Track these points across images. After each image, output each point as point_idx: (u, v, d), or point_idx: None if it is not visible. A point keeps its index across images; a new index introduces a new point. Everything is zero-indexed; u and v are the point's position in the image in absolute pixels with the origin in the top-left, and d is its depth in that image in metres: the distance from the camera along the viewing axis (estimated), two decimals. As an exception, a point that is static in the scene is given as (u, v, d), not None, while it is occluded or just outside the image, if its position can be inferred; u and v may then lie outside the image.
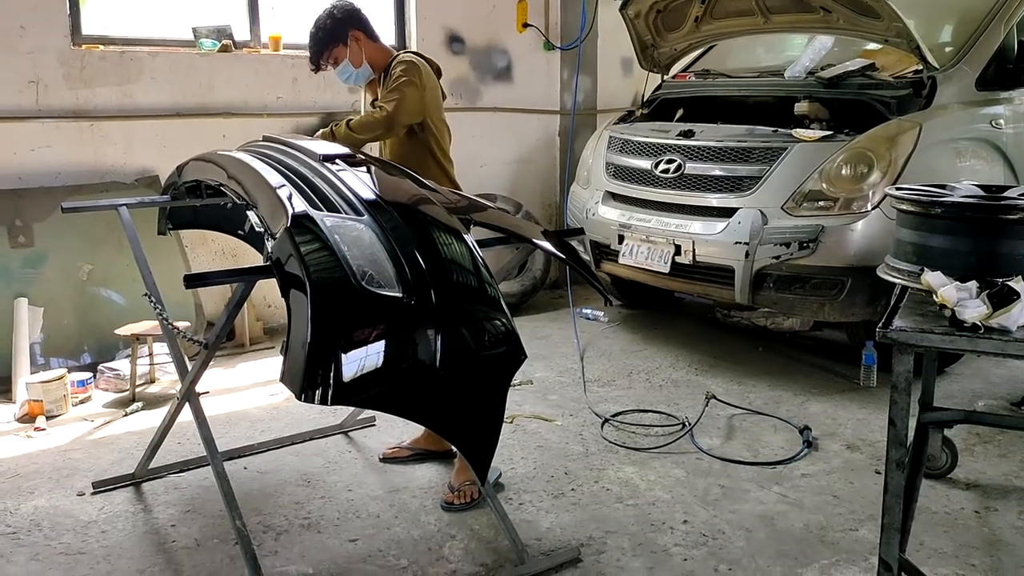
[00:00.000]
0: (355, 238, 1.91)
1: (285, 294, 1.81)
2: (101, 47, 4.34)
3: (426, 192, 2.24)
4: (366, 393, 1.73)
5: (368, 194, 2.09)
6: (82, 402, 3.84)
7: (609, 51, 5.90)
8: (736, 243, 3.87)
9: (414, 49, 3.14)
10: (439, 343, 1.80)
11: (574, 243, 4.76)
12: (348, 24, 3.02)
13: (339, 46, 3.02)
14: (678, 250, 4.10)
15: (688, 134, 4.29)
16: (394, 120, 2.90)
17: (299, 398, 1.67)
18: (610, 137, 4.76)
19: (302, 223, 1.92)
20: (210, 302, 4.64)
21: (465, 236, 2.02)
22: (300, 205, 2.02)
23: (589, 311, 5.20)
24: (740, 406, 3.68)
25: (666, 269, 4.14)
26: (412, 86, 2.92)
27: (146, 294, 2.65)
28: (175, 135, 4.49)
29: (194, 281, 1.83)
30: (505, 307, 1.96)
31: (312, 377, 1.68)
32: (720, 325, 5.02)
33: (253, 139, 2.81)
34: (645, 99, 5.12)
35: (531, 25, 5.66)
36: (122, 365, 4.01)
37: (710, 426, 3.48)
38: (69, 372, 3.90)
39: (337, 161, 2.28)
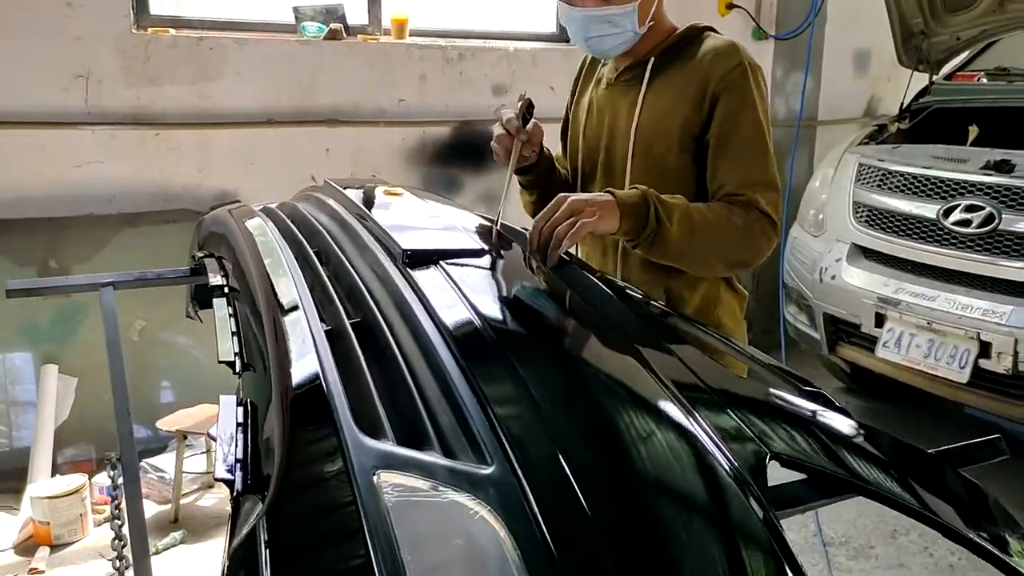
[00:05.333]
0: (464, 555, 0.64)
1: None
2: (172, 31, 3.29)
3: (693, 380, 0.88)
4: None
5: (507, 387, 0.80)
6: (107, 520, 2.79)
7: (839, 42, 4.41)
8: (1102, 352, 2.37)
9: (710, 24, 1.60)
10: None
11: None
12: None
13: None
14: (985, 350, 2.63)
15: (1004, 166, 2.78)
16: (776, 239, 1.52)
17: None
18: (859, 164, 3.30)
19: (320, 489, 0.67)
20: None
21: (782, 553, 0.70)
22: (321, 397, 0.77)
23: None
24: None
25: (963, 378, 2.67)
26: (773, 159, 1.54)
27: (109, 459, 1.48)
28: (265, 148, 3.40)
29: None
30: None
31: None
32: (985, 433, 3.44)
33: (307, 186, 1.59)
34: (905, 107, 3.60)
35: (737, 6, 4.24)
36: (170, 463, 2.94)
37: None
38: (106, 465, 2.89)
39: (441, 267, 1.00)
